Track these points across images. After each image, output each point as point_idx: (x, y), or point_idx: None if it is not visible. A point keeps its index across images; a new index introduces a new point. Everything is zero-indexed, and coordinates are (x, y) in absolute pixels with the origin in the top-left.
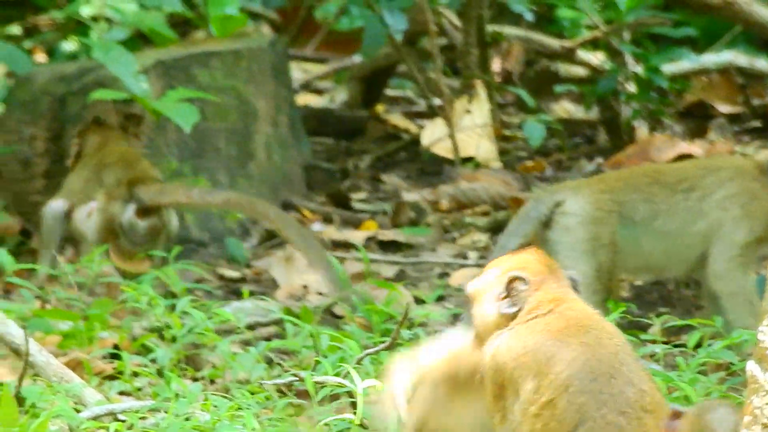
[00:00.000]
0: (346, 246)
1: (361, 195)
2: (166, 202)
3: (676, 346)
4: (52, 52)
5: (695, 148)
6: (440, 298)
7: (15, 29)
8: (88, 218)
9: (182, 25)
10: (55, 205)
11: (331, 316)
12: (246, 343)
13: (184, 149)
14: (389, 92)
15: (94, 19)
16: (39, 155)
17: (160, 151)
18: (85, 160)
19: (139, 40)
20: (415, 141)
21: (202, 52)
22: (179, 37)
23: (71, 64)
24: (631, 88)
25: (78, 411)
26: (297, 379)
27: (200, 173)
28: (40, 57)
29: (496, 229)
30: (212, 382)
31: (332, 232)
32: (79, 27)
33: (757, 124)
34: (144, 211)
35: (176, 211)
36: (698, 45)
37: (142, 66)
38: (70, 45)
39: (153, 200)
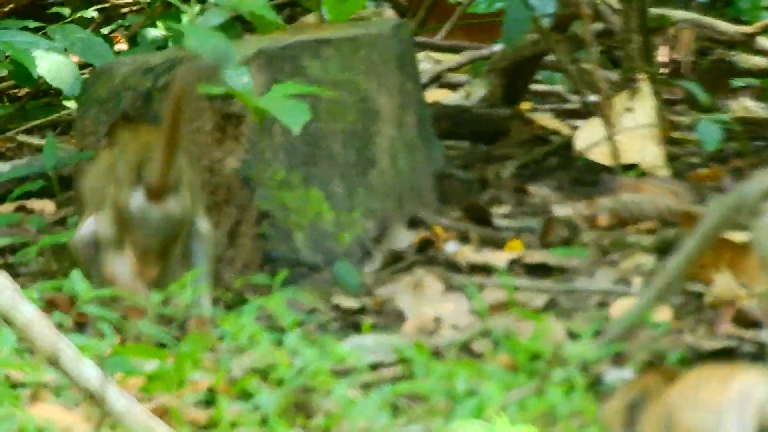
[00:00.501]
0: (486, 270)
1: (504, 209)
2: (173, 172)
3: None
4: (134, 40)
5: None
6: (598, 333)
7: (91, 13)
8: (105, 223)
9: (289, 8)
10: (84, 231)
11: (467, 354)
12: (366, 386)
13: (292, 155)
14: (536, 87)
15: (185, 0)
16: None
17: (264, 157)
18: (102, 161)
19: (238, 25)
20: (567, 145)
21: (313, 39)
22: (285, 22)
23: (157, 54)
24: None
25: None
26: (428, 429)
27: (312, 183)
28: (121, 45)
29: (664, 250)
30: None
31: (469, 253)
32: (167, 10)
33: None
34: (155, 195)
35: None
36: None
37: (243, 56)
38: (156, 31)
39: (161, 180)
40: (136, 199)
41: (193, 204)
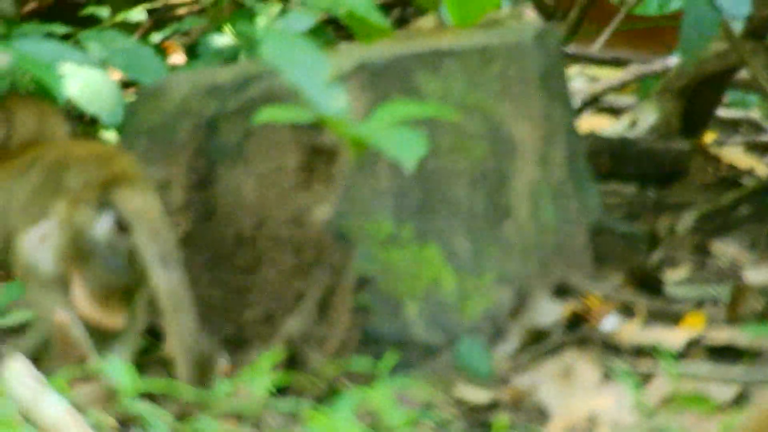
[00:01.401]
0: (656, 353)
1: (680, 273)
2: (154, 213)
3: None
4: (194, 50)
5: None
6: None
7: (138, 15)
8: (41, 244)
9: (399, 8)
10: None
11: None
12: None
13: (403, 202)
14: (723, 113)
15: None
16: (178, 209)
17: (366, 204)
18: (26, 157)
19: (330, 30)
20: (764, 188)
21: (431, 50)
22: (394, 27)
23: (225, 69)
24: None
25: None
26: None
27: (428, 239)
28: (177, 57)
29: None
30: None
31: (634, 331)
32: (237, 10)
33: None
34: (126, 224)
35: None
36: None
37: (338, 71)
38: (222, 38)
39: (142, 206)
40: (103, 227)
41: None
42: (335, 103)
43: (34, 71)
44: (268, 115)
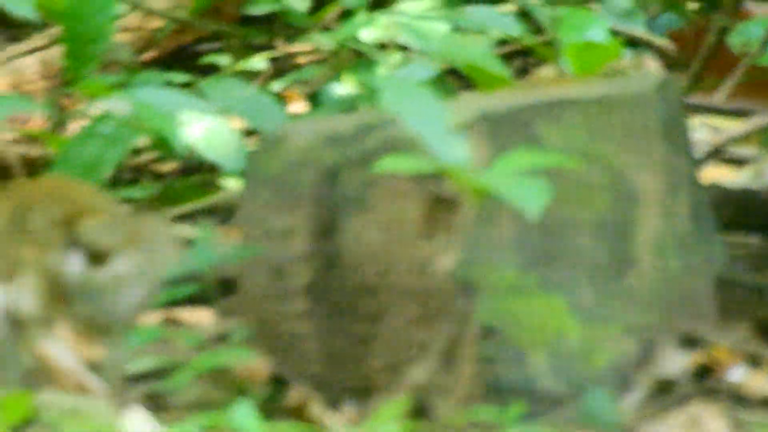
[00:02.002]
0: None
1: None
2: (124, 241)
3: None
4: (315, 99)
5: None
6: None
7: (258, 63)
8: (21, 293)
9: (520, 58)
10: None
11: None
12: None
13: (526, 251)
14: None
15: (382, 46)
16: (299, 259)
17: (489, 254)
18: None
19: (451, 79)
20: None
21: (552, 100)
22: (515, 76)
23: (345, 117)
24: None
25: None
26: None
27: (552, 289)
28: (298, 106)
29: None
30: None
31: (761, 382)
32: (357, 60)
33: None
34: (96, 256)
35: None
36: None
37: (459, 120)
38: (343, 87)
39: (108, 238)
40: (74, 265)
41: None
42: (456, 152)
43: (153, 120)
44: (389, 164)
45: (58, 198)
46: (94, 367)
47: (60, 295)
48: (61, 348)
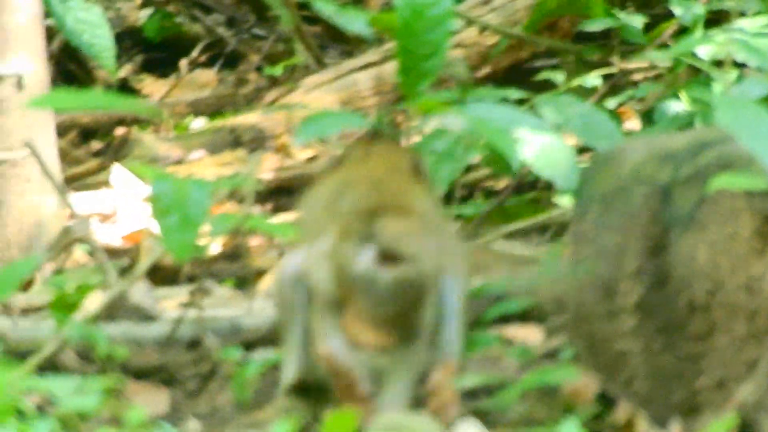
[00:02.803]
0: None
1: None
2: (420, 233)
3: None
4: (650, 116)
5: None
6: None
7: (593, 80)
8: (317, 266)
9: None
10: (289, 269)
11: None
12: None
13: None
14: None
15: (718, 63)
16: (629, 277)
17: None
18: (328, 181)
19: None
20: None
21: None
22: None
23: (680, 135)
24: None
25: None
26: None
27: None
28: (632, 123)
29: None
30: None
31: None
32: (694, 77)
33: None
34: (389, 257)
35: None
36: None
37: None
38: (678, 104)
39: (402, 241)
40: (364, 260)
41: (439, 266)
42: None
43: (489, 136)
44: (723, 182)
45: (372, 188)
46: (380, 368)
47: (348, 282)
48: (342, 347)
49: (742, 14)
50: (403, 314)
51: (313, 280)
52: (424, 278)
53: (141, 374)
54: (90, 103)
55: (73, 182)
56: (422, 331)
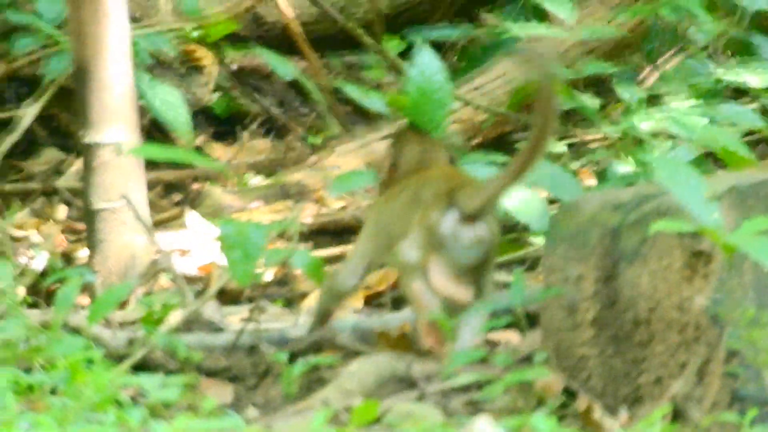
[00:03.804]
0: None
1: None
2: (489, 197)
3: None
4: (603, 175)
5: None
6: None
7: (560, 147)
8: (409, 249)
9: (761, 144)
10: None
11: None
12: None
13: (763, 293)
14: None
15: (656, 135)
16: (587, 299)
17: (733, 295)
18: (405, 182)
19: (709, 161)
20: None
21: None
22: (758, 159)
23: (627, 189)
24: None
25: None
26: None
27: None
28: (590, 180)
29: None
30: None
31: None
32: (637, 144)
33: None
34: (468, 218)
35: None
36: None
37: (713, 192)
38: (625, 166)
39: (477, 204)
40: (449, 222)
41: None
42: (711, 216)
43: None
44: (660, 225)
45: (444, 179)
46: (461, 307)
47: (433, 245)
48: (426, 289)
49: (674, 96)
50: (478, 267)
51: (405, 259)
52: (495, 235)
53: (211, 373)
54: (174, 156)
55: (159, 225)
56: (490, 281)
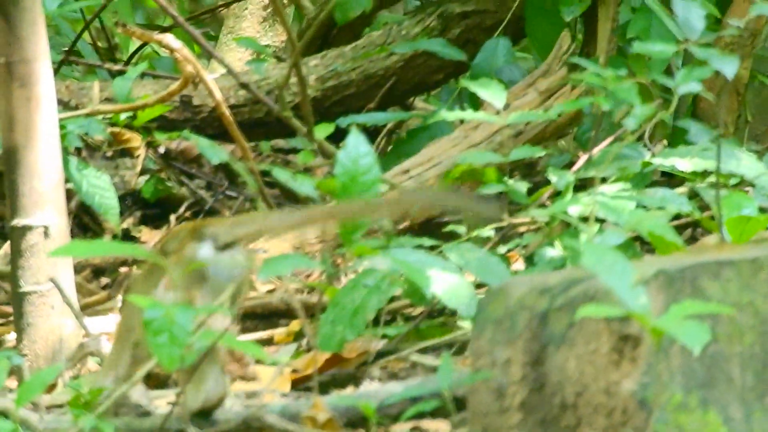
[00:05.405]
0: None
1: None
2: (243, 234)
3: None
4: (531, 260)
5: None
6: None
7: (488, 232)
8: (165, 294)
9: (690, 228)
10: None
11: None
12: None
13: (690, 378)
14: None
15: (584, 219)
16: (515, 383)
17: (661, 379)
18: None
19: (636, 245)
20: None
21: (713, 261)
22: (685, 243)
23: (554, 274)
24: None
25: None
26: None
27: (709, 407)
28: (518, 265)
29: None
30: None
31: None
32: (565, 229)
33: None
34: (224, 246)
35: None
36: None
37: (641, 276)
38: (553, 250)
39: (228, 234)
40: (205, 250)
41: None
42: (639, 300)
43: (408, 274)
44: (588, 310)
45: (183, 228)
46: None
47: (197, 279)
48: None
49: (603, 180)
50: (236, 295)
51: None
52: (249, 261)
53: None
54: (99, 251)
55: (87, 309)
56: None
